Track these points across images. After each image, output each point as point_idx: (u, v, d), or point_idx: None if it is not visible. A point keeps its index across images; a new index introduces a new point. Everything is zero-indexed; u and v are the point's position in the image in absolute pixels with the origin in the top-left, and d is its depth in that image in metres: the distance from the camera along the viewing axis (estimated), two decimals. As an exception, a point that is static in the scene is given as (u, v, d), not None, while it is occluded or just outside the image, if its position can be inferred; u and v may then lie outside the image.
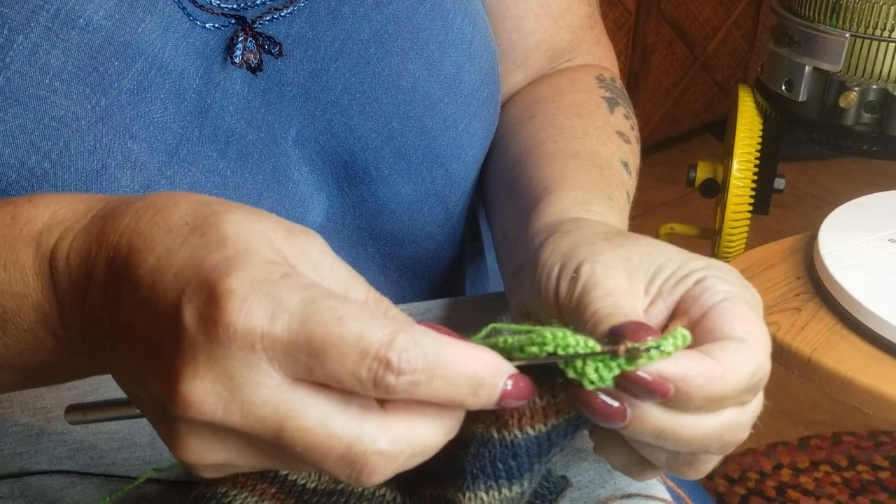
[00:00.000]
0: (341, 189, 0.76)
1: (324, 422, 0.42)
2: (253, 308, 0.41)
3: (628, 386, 0.46)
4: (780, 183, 1.46)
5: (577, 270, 0.54)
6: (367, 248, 0.81)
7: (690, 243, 1.16)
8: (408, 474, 0.58)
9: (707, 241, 1.85)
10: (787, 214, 2.66)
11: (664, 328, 0.53)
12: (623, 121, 0.82)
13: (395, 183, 0.77)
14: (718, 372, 0.46)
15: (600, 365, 0.46)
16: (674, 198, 3.14)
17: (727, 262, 1.04)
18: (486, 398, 0.44)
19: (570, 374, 0.47)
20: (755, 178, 1.44)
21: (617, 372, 0.46)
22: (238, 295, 0.41)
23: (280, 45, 0.68)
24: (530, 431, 0.50)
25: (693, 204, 2.74)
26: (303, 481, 0.57)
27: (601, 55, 0.93)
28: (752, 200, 1.49)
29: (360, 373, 0.41)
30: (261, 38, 0.68)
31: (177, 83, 0.65)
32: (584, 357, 0.46)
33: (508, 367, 0.44)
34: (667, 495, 0.64)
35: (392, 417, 0.43)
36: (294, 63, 0.69)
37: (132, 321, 0.44)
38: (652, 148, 3.41)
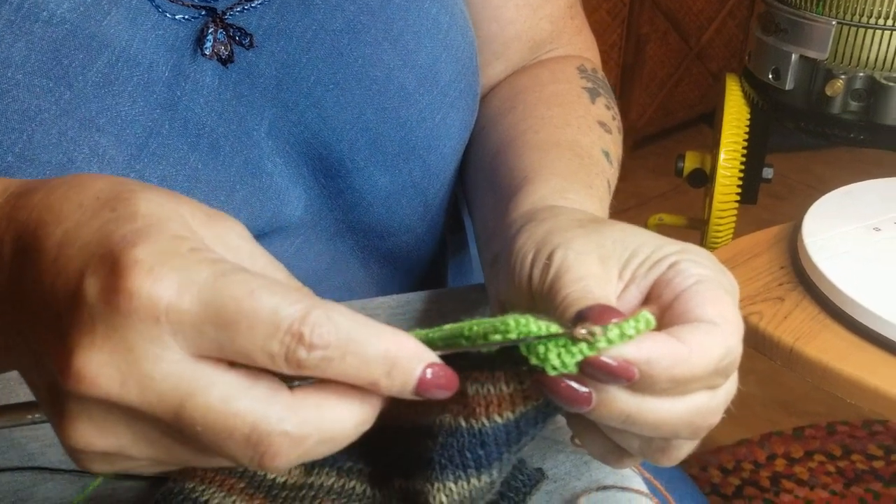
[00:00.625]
0: (317, 181, 0.75)
1: (228, 400, 0.40)
2: (159, 279, 0.39)
3: (592, 371, 0.45)
4: (768, 172, 1.45)
5: (549, 257, 0.53)
6: (346, 241, 0.81)
7: (679, 234, 1.15)
8: (378, 467, 0.58)
9: (696, 231, 1.84)
10: (780, 205, 2.65)
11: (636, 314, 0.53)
12: (604, 111, 0.82)
13: (372, 175, 0.76)
14: (684, 354, 0.46)
15: (562, 350, 0.46)
16: (668, 189, 3.13)
17: (714, 252, 1.04)
18: (400, 382, 0.42)
19: (533, 360, 0.46)
20: (742, 167, 1.44)
21: (580, 357, 0.45)
22: (144, 264, 0.40)
23: (251, 37, 0.67)
24: (498, 419, 0.49)
25: (688, 195, 2.73)
26: (272, 475, 0.57)
27: (582, 46, 0.92)
28: (739, 190, 1.48)
29: (272, 347, 0.40)
30: (231, 30, 0.67)
31: (145, 76, 0.64)
32: (540, 339, 0.46)
33: (429, 356, 0.43)
34: (643, 487, 0.64)
35: (301, 400, 0.42)
36: (265, 54, 0.68)
37: (32, 295, 0.43)
38: (647, 139, 3.41)
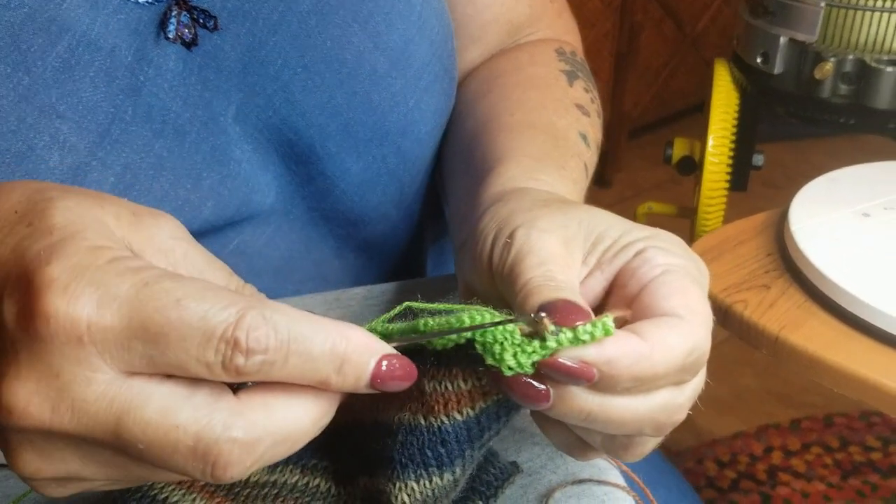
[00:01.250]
0: (288, 168, 0.73)
1: (167, 412, 0.38)
2: (76, 297, 0.38)
3: (549, 372, 0.43)
4: (758, 159, 1.43)
5: (511, 236, 0.51)
6: (319, 229, 0.79)
7: (669, 222, 1.13)
8: (342, 465, 0.56)
9: (687, 220, 1.83)
10: (777, 194, 2.61)
11: (602, 303, 0.51)
12: (582, 94, 0.80)
13: (344, 161, 0.74)
14: (646, 352, 0.44)
15: (518, 351, 0.44)
16: (664, 179, 3.12)
17: (700, 239, 1.02)
18: (353, 378, 0.41)
19: (489, 360, 0.44)
20: (732, 153, 1.42)
21: (536, 358, 0.44)
22: (59, 283, 0.38)
23: (215, 19, 0.65)
24: (458, 416, 0.48)
25: (684, 185, 2.72)
26: None
27: (563, 30, 0.91)
28: (728, 177, 1.46)
29: (207, 357, 0.38)
30: (195, 12, 0.65)
31: (107, 60, 0.62)
32: (490, 326, 0.44)
33: (382, 347, 0.42)
34: (620, 480, 0.62)
35: (248, 403, 0.40)
36: (231, 37, 0.66)
37: None
38: (643, 129, 3.39)
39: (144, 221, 0.44)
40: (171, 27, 0.64)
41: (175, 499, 0.53)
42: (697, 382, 0.49)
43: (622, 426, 0.46)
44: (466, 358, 0.46)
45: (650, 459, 0.95)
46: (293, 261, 0.79)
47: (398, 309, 0.49)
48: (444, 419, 0.48)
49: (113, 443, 0.39)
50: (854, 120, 1.23)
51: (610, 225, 0.52)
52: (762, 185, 1.82)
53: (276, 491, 0.54)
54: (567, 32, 0.91)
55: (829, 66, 1.18)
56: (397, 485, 0.50)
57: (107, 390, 0.38)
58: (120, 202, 0.44)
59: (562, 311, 0.44)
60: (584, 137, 0.74)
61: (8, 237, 0.41)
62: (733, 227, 0.99)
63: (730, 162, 1.43)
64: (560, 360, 0.43)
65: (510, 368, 0.44)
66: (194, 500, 0.53)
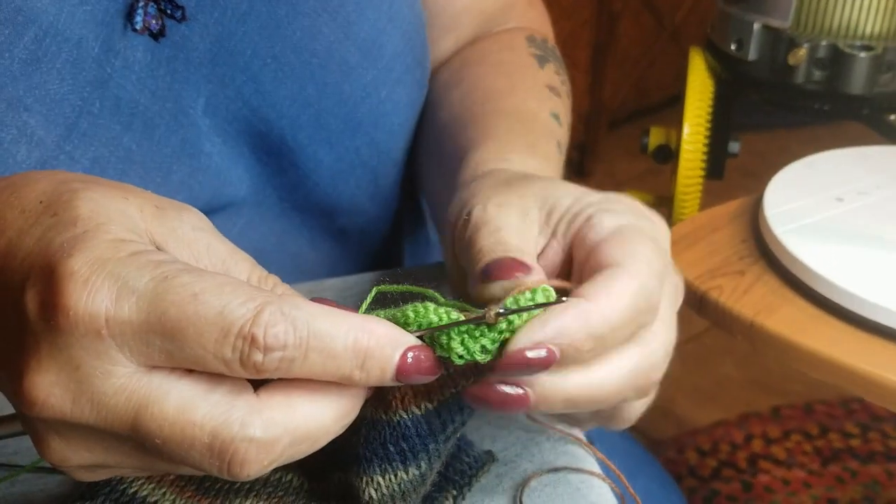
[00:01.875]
0: (259, 160, 0.73)
1: (185, 408, 0.38)
2: (96, 290, 0.38)
3: (513, 371, 0.43)
4: (734, 147, 1.43)
5: (468, 214, 0.51)
6: (292, 220, 0.78)
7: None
8: (315, 460, 0.56)
9: (665, 208, 1.83)
10: (756, 183, 2.63)
11: (561, 271, 0.51)
12: (553, 76, 0.80)
13: (316, 153, 0.74)
14: (591, 308, 0.43)
15: (465, 337, 0.43)
16: (644, 170, 3.12)
17: (675, 226, 1.02)
18: (378, 372, 0.40)
19: (438, 351, 0.43)
20: (707, 142, 1.42)
21: (486, 343, 0.43)
22: (79, 276, 0.38)
23: (183, 9, 0.64)
24: (416, 411, 0.47)
25: (664, 176, 2.72)
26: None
27: (534, 19, 0.91)
28: (704, 164, 1.47)
29: (224, 353, 0.38)
30: (162, 3, 0.64)
31: (74, 52, 0.62)
32: (452, 326, 0.43)
33: (406, 339, 0.41)
34: (596, 468, 0.62)
35: (268, 400, 0.40)
36: (199, 28, 0.66)
37: None
38: (622, 120, 3.38)
39: (168, 214, 0.44)
40: (139, 18, 0.64)
41: (145, 493, 0.53)
42: (665, 337, 0.48)
43: (605, 399, 0.46)
44: None
45: (628, 449, 0.95)
46: (267, 252, 0.79)
47: (371, 296, 0.48)
48: (403, 414, 0.47)
49: (131, 436, 0.39)
50: (828, 106, 1.23)
51: (564, 193, 0.51)
52: (740, 175, 1.82)
53: (248, 486, 0.53)
54: (539, 22, 0.91)
55: (802, 51, 1.18)
56: (364, 479, 0.49)
57: (126, 384, 0.39)
58: (144, 194, 0.44)
59: (505, 267, 0.45)
60: (556, 117, 0.74)
61: (33, 227, 0.41)
62: (708, 213, 0.99)
63: (705, 150, 1.44)
64: (515, 353, 0.42)
65: (460, 357, 0.43)
66: (164, 494, 0.53)
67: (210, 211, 0.72)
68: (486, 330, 0.43)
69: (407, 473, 0.49)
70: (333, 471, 0.55)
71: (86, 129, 0.63)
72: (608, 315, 0.43)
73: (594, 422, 0.51)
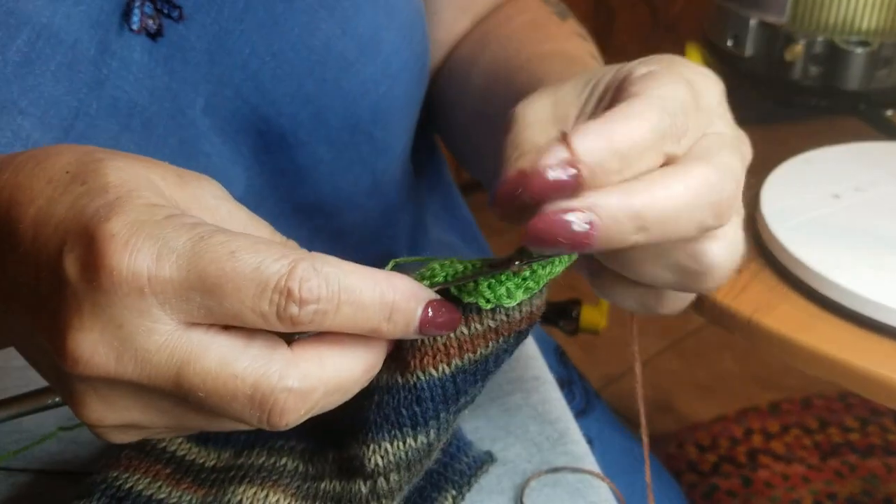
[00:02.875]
0: (258, 159, 0.73)
1: (225, 362, 0.40)
2: (137, 250, 0.39)
3: (543, 196, 0.41)
4: (731, 142, 1.43)
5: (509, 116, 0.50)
6: (290, 220, 0.78)
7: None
8: (311, 443, 0.56)
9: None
10: (756, 177, 2.63)
11: None
12: (577, 26, 0.81)
13: (316, 150, 0.74)
14: (613, 117, 0.42)
15: (492, 281, 0.46)
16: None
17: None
18: (403, 324, 0.42)
19: (465, 298, 0.46)
20: (705, 137, 1.42)
21: (510, 286, 0.45)
22: (120, 238, 0.39)
23: (180, 9, 0.64)
24: (433, 373, 0.49)
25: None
26: (201, 460, 0.56)
27: None
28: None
29: (262, 307, 0.39)
30: (159, 2, 0.64)
31: (69, 54, 0.61)
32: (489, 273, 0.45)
33: (427, 293, 0.43)
34: (595, 467, 0.62)
35: (301, 353, 0.42)
36: (197, 27, 0.66)
37: (17, 279, 0.42)
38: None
39: (190, 182, 0.45)
40: (136, 18, 0.63)
41: (140, 487, 0.54)
42: (732, 160, 0.44)
43: (679, 218, 0.43)
44: None
45: (627, 447, 0.95)
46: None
47: (389, 267, 0.50)
48: (421, 375, 0.49)
49: (174, 391, 0.41)
50: (825, 101, 1.23)
51: (608, 69, 0.50)
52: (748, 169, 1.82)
53: (242, 473, 0.54)
54: None
55: (799, 47, 1.18)
56: (371, 447, 0.50)
57: (168, 340, 0.40)
58: (165, 165, 0.45)
59: (507, 192, 0.43)
60: (596, 59, 0.74)
61: (63, 196, 0.42)
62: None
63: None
64: (538, 177, 0.41)
65: (487, 301, 0.46)
66: (160, 487, 0.54)
67: (208, 211, 0.72)
68: (510, 275, 0.45)
69: (416, 440, 0.50)
70: (330, 450, 0.55)
71: (83, 131, 0.63)
72: (634, 120, 0.42)
73: (680, 283, 0.47)
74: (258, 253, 0.40)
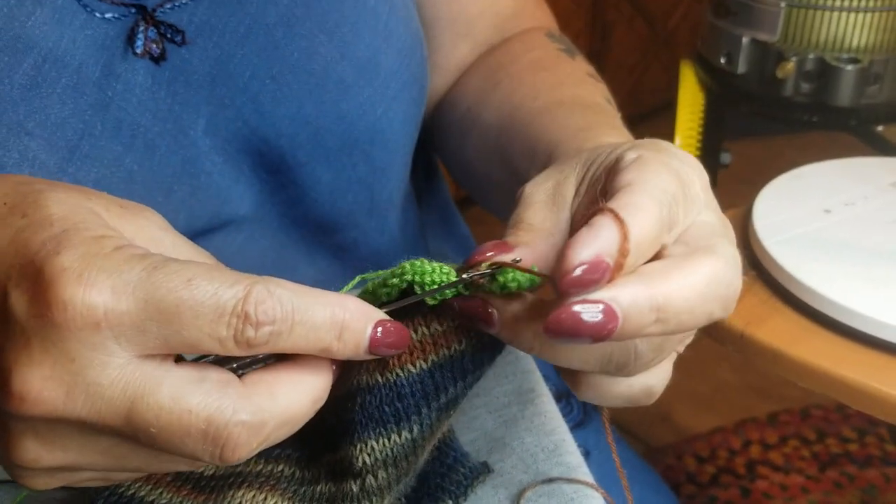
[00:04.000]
0: (259, 177, 0.74)
1: (179, 397, 0.40)
2: (91, 284, 0.39)
3: (574, 291, 0.41)
4: (725, 158, 1.45)
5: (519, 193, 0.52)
6: (291, 236, 0.80)
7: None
8: (306, 450, 0.58)
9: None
10: (751, 190, 2.64)
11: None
12: (586, 65, 0.82)
13: (315, 170, 0.75)
14: (604, 223, 0.42)
15: (460, 287, 0.48)
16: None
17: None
18: (353, 344, 0.43)
19: (430, 301, 0.48)
20: (699, 153, 1.44)
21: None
22: (72, 272, 0.39)
23: (183, 33, 0.66)
24: (412, 368, 0.51)
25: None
26: (200, 469, 0.57)
27: (543, 18, 0.92)
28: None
29: (220, 332, 0.40)
30: (162, 27, 0.66)
31: (74, 77, 0.63)
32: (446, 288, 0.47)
33: (377, 314, 0.44)
34: (590, 478, 0.63)
35: (253, 387, 0.42)
36: (199, 51, 0.67)
37: None
38: (617, 128, 3.38)
39: (133, 214, 0.45)
40: (140, 42, 0.65)
41: (142, 493, 0.55)
42: (731, 251, 0.45)
43: (694, 308, 0.42)
44: (413, 306, 0.49)
45: (624, 458, 0.96)
46: (265, 268, 0.80)
47: (353, 282, 0.54)
48: (400, 372, 0.51)
49: (122, 427, 0.40)
50: (816, 118, 1.25)
51: (607, 146, 0.51)
52: (734, 182, 1.83)
53: (241, 479, 0.55)
54: (548, 20, 0.92)
55: (790, 65, 1.20)
56: (358, 446, 0.52)
57: (122, 374, 0.40)
58: (106, 196, 0.45)
59: (483, 250, 0.47)
60: (610, 102, 0.75)
61: (2, 229, 0.42)
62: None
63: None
64: (571, 278, 0.41)
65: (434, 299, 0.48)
66: (161, 494, 0.55)
67: (210, 228, 0.73)
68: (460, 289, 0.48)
69: (400, 436, 0.51)
70: (323, 454, 0.57)
71: (88, 151, 0.65)
72: (644, 229, 0.43)
73: (604, 366, 0.47)
74: (213, 280, 0.40)
